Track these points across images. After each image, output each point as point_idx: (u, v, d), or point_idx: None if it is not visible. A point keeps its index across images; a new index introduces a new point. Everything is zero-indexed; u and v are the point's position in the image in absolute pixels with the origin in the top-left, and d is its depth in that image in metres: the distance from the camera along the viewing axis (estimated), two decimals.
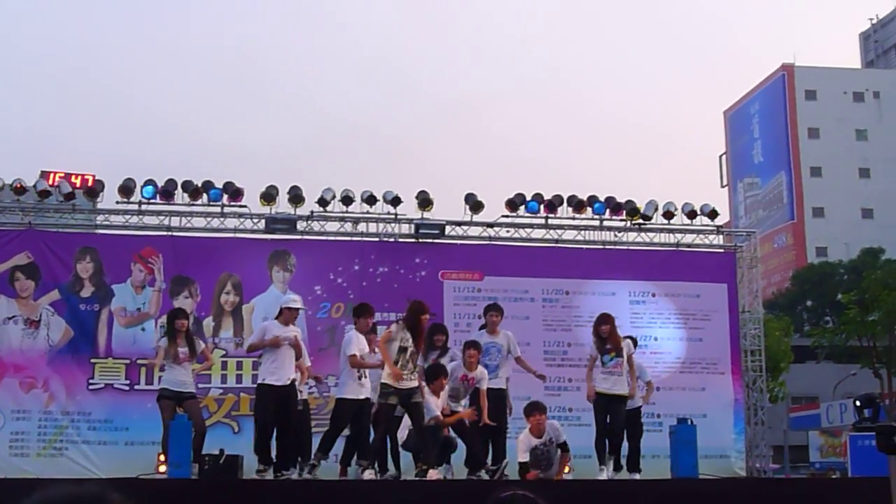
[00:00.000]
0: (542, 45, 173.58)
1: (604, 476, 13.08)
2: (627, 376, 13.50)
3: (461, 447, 13.10)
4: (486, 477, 12.42)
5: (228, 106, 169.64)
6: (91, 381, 16.94)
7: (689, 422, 14.06)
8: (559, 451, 13.26)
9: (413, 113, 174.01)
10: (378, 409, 12.31)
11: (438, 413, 12.53)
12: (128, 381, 16.89)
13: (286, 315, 13.08)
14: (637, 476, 13.46)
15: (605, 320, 13.60)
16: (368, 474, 12.04)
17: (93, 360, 17.05)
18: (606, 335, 13.45)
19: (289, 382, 12.74)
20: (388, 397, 12.06)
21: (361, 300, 16.87)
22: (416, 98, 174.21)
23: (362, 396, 12.58)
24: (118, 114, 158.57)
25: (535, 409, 13.22)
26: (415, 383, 12.17)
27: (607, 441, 13.34)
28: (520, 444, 13.17)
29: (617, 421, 13.36)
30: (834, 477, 32.07)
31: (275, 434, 12.62)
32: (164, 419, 13.30)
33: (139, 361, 16.99)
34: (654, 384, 14.97)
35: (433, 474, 12.04)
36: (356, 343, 12.71)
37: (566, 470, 13.07)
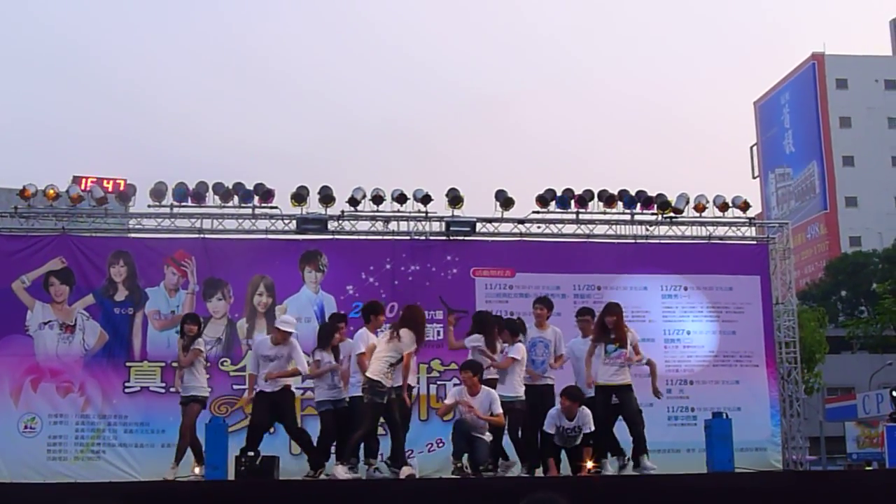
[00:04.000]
0: (570, 39, 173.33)
1: (610, 471, 12.93)
2: (629, 367, 13.35)
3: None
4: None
5: (259, 108, 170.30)
6: (127, 384, 17.05)
7: (724, 415, 13.99)
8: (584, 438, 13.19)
9: (442, 111, 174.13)
10: (370, 405, 12.08)
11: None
12: (163, 384, 16.98)
13: (277, 336, 13.44)
14: (647, 462, 13.21)
15: (611, 311, 13.45)
16: (342, 471, 12.01)
17: (128, 364, 17.16)
18: (612, 326, 13.31)
19: (279, 389, 13.36)
20: (383, 396, 12.03)
21: (394, 300, 17.00)
22: (446, 96, 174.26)
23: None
24: (149, 117, 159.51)
25: (570, 396, 13.18)
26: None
27: (630, 433, 13.25)
28: (548, 418, 13.27)
29: (629, 411, 13.25)
30: (870, 468, 31.84)
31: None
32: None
33: (174, 364, 17.06)
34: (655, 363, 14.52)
35: (406, 471, 12.15)
36: (364, 341, 12.77)
37: (588, 461, 12.96)
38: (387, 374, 11.98)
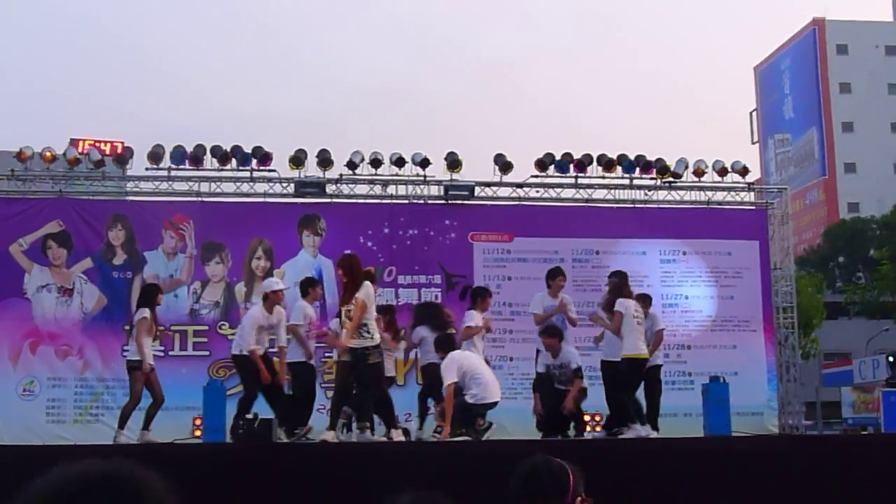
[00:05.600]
0: (574, 6, 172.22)
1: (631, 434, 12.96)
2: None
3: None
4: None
5: (257, 72, 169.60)
6: (125, 347, 17.03)
7: (722, 380, 14.06)
8: (574, 374, 13.35)
9: (443, 75, 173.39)
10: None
11: None
12: (162, 348, 16.96)
13: (272, 299, 13.28)
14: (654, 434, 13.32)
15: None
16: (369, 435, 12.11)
17: (127, 328, 17.11)
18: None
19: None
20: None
21: (392, 264, 17.06)
22: (447, 60, 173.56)
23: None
24: (146, 79, 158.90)
25: (548, 333, 13.51)
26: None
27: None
28: (539, 358, 13.78)
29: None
30: (866, 433, 31.98)
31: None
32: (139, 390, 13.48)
33: (173, 328, 17.12)
34: (662, 334, 14.59)
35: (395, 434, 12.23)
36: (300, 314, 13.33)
37: (577, 394, 13.25)
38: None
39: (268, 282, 13.95)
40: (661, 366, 14.45)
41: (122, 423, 13.36)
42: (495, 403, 12.45)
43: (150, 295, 13.82)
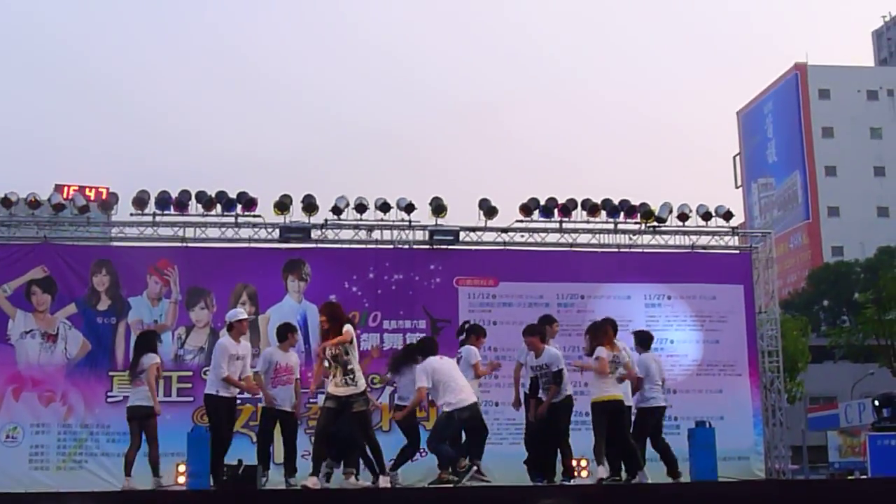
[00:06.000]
0: (558, 46, 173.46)
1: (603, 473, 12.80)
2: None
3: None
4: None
5: (241, 113, 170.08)
6: (110, 393, 17.01)
7: (707, 424, 14.04)
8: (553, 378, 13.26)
9: (428, 117, 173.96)
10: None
11: None
12: None
13: (237, 329, 13.20)
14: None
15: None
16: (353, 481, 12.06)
17: (111, 373, 17.12)
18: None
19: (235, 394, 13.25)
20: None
21: (377, 309, 17.08)
22: (432, 102, 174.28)
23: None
24: (130, 123, 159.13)
25: (528, 332, 13.53)
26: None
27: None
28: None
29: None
30: (853, 477, 31.95)
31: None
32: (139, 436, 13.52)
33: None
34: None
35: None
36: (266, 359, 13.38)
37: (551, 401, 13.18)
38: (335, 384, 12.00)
39: (232, 312, 13.69)
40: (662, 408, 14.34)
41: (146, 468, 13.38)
42: (475, 403, 12.48)
43: (152, 341, 14.03)
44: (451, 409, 12.25)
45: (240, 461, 12.82)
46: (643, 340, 14.39)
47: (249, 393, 13.34)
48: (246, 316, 13.66)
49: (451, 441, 12.51)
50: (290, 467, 13.32)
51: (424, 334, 16.84)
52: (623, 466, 13.09)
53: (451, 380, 12.35)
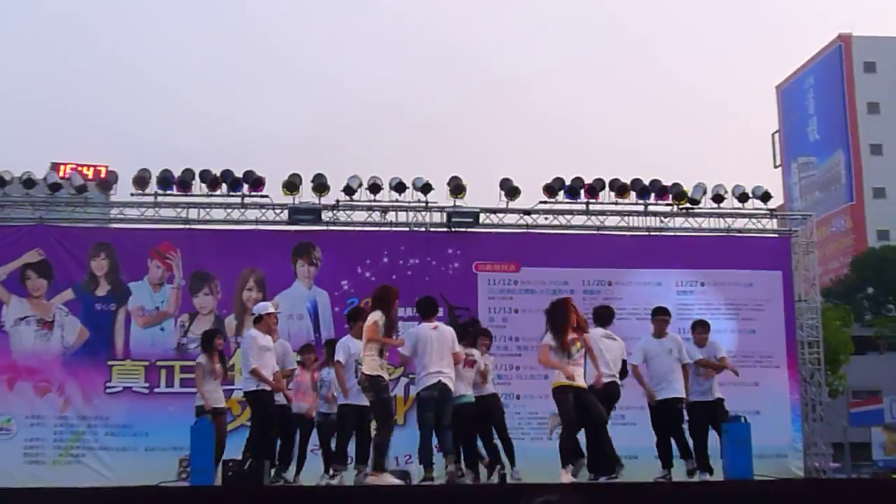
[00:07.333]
0: (591, 18, 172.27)
1: (567, 478, 12.44)
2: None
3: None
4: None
5: (247, 87, 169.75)
6: (108, 384, 17.10)
7: (743, 419, 13.99)
8: None
9: (448, 91, 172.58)
10: (384, 403, 11.81)
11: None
12: (147, 384, 17.03)
13: (267, 321, 12.98)
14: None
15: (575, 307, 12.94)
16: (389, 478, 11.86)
17: (110, 363, 17.21)
18: (576, 323, 12.76)
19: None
20: (387, 390, 11.82)
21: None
22: (452, 74, 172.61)
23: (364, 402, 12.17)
24: (130, 98, 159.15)
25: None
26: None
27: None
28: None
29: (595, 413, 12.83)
30: None
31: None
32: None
33: (158, 363, 17.14)
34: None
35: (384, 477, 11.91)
36: (344, 350, 12.59)
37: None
38: (382, 366, 11.78)
39: (261, 305, 13.62)
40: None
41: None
42: (439, 382, 11.80)
43: (208, 341, 13.93)
44: (417, 390, 12.08)
45: (245, 456, 12.87)
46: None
47: (276, 390, 13.04)
48: (274, 310, 13.38)
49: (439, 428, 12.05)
50: (299, 465, 13.50)
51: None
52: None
53: (424, 354, 11.92)
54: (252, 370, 12.52)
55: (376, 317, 11.56)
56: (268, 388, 12.62)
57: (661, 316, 13.99)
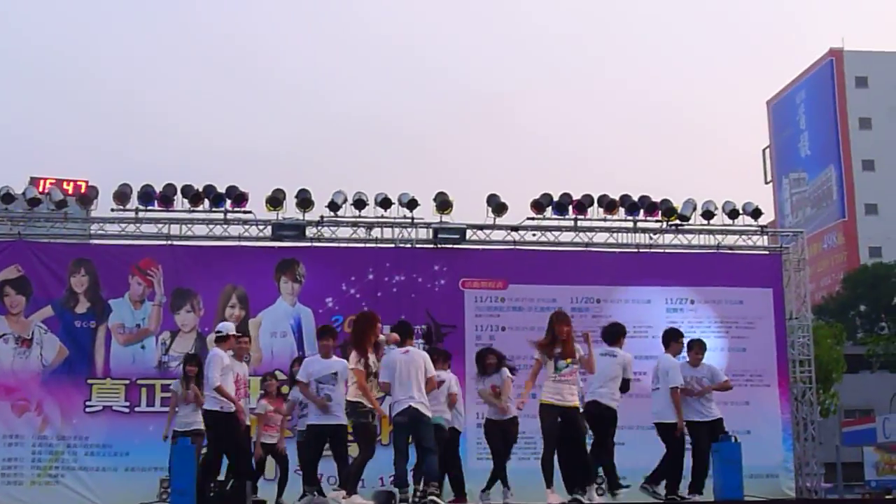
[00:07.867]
0: (576, 34, 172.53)
1: (554, 499, 12.41)
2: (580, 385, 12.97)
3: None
4: None
5: (230, 102, 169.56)
6: (88, 403, 17.05)
7: (733, 439, 14.02)
8: None
9: (433, 107, 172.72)
10: (364, 428, 11.88)
11: None
12: (127, 403, 17.00)
13: (232, 342, 12.90)
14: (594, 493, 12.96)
15: (565, 321, 12.56)
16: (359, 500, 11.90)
17: (90, 381, 17.16)
18: (565, 337, 12.78)
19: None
20: (367, 416, 11.86)
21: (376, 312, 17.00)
22: (437, 91, 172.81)
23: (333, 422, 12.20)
24: (112, 113, 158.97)
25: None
26: None
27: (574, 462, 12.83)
28: None
29: (579, 436, 12.73)
30: (891, 497, 31.94)
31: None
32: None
33: (139, 381, 17.11)
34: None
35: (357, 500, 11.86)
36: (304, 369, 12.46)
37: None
38: (365, 397, 11.81)
39: (225, 325, 13.42)
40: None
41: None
42: (410, 407, 11.78)
43: (182, 366, 14.14)
44: (391, 414, 12.11)
45: (228, 476, 12.82)
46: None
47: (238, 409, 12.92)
48: (234, 332, 13.14)
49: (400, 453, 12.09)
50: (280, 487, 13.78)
51: (423, 343, 16.82)
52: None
53: (393, 380, 11.95)
54: (216, 388, 12.38)
55: (355, 361, 11.79)
56: (232, 407, 12.48)
57: (697, 347, 14.21)
